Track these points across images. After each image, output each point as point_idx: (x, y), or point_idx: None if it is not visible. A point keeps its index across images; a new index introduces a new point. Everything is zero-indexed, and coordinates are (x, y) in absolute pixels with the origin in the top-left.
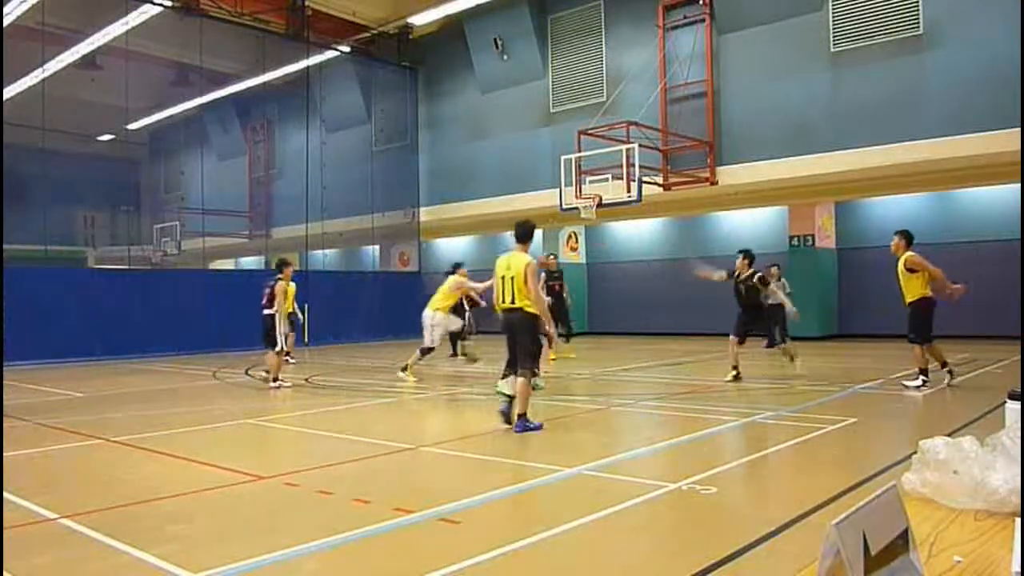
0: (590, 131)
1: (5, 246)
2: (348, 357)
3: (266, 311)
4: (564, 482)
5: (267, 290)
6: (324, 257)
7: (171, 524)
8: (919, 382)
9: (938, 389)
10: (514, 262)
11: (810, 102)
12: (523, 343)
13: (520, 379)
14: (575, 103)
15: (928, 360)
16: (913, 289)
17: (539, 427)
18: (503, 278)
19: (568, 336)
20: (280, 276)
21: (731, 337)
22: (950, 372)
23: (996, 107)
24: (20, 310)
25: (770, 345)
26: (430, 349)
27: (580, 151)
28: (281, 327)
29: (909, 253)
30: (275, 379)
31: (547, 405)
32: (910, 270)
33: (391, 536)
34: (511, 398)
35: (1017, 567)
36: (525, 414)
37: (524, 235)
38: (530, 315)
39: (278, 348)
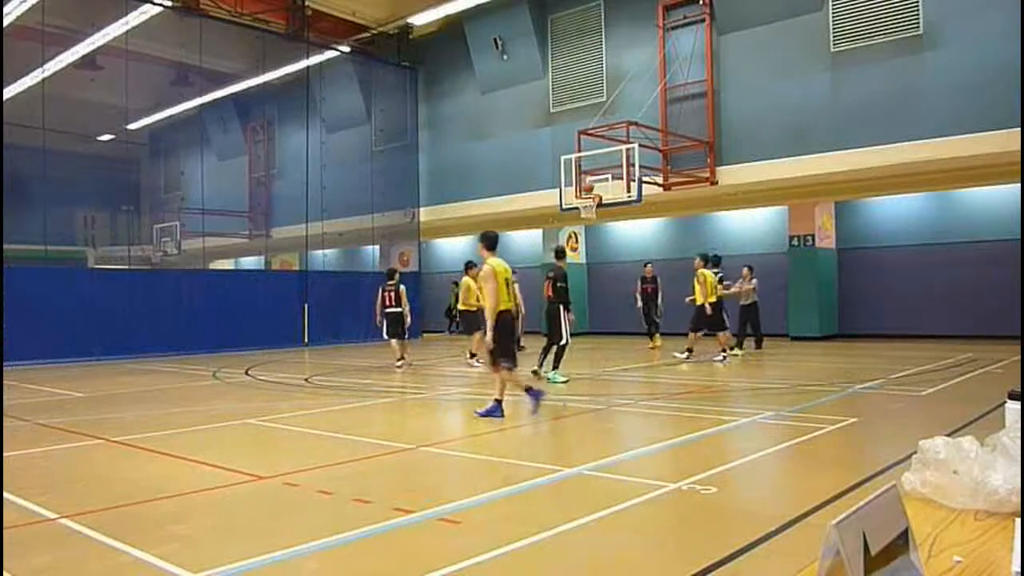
0: (590, 131)
1: (5, 246)
2: (348, 357)
3: (390, 309)
4: (564, 482)
5: (390, 292)
6: (324, 257)
7: (171, 524)
8: (720, 357)
9: (939, 389)
10: (507, 268)
11: (810, 102)
12: (513, 338)
13: (509, 370)
14: (575, 103)
15: (694, 340)
16: (697, 296)
17: (500, 416)
18: (507, 281)
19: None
20: (392, 282)
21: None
22: (689, 351)
23: (996, 107)
24: (20, 310)
25: (758, 345)
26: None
27: (580, 151)
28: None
29: (701, 270)
30: (401, 358)
31: (547, 405)
32: (699, 283)
33: (391, 536)
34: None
35: (1017, 567)
36: (501, 402)
37: (496, 243)
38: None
39: (407, 337)
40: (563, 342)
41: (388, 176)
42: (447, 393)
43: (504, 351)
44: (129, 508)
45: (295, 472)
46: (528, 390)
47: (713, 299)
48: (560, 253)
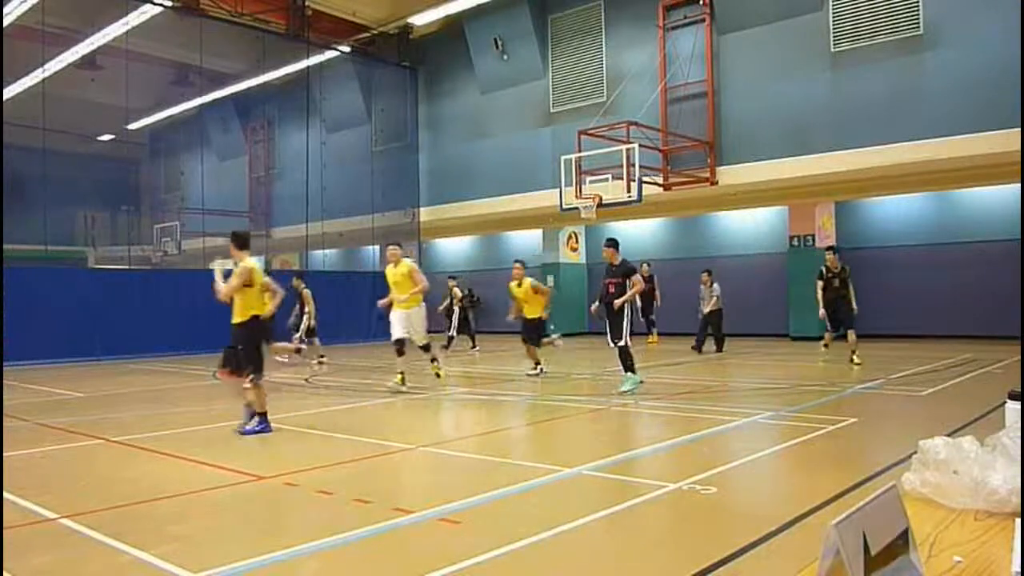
0: (590, 131)
1: (5, 246)
2: (348, 357)
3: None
4: (564, 482)
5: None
6: (324, 257)
7: (171, 524)
8: (537, 371)
9: (939, 389)
10: (261, 271)
11: (810, 102)
12: (262, 345)
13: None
14: (575, 103)
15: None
16: (536, 308)
17: (268, 430)
18: (263, 284)
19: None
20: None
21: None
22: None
23: (996, 107)
24: (20, 310)
25: (698, 349)
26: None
27: (580, 151)
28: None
29: (531, 280)
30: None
31: (548, 405)
32: (541, 294)
33: (391, 536)
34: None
35: (1017, 567)
36: (265, 414)
37: (248, 243)
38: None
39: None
40: (620, 343)
41: (388, 176)
42: (447, 393)
43: (251, 359)
44: (129, 508)
45: (295, 472)
46: (260, 415)
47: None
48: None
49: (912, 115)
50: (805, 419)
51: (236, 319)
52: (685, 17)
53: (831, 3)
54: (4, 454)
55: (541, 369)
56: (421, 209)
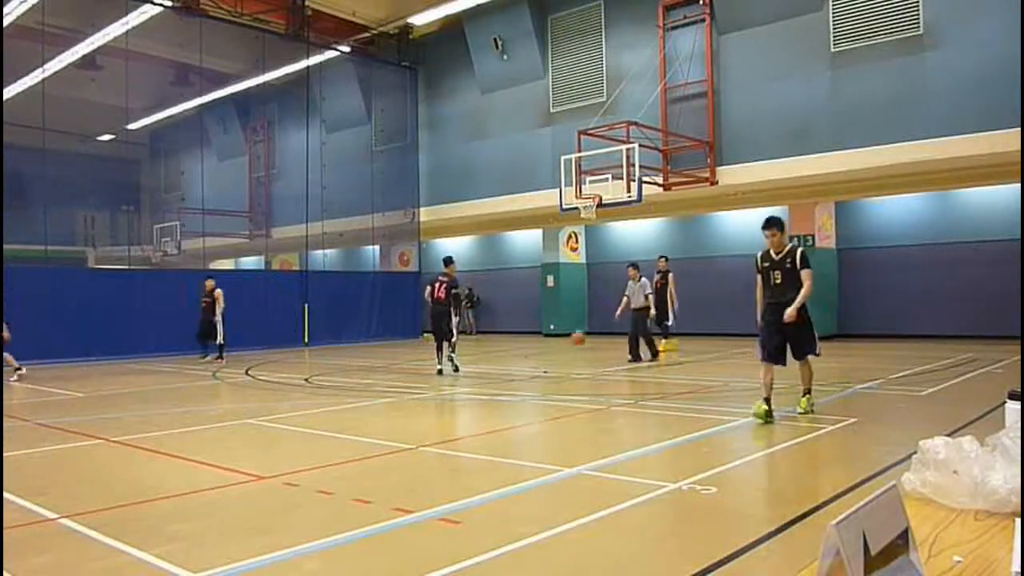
0: (590, 131)
1: (5, 246)
2: (348, 357)
3: None
4: (564, 482)
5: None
6: (324, 257)
7: (171, 524)
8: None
9: (939, 389)
10: None
11: (810, 102)
12: None
13: None
14: (575, 103)
15: None
16: None
17: None
18: None
19: None
20: None
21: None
22: None
23: (996, 107)
24: (20, 310)
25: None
26: None
27: (580, 151)
28: None
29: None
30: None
31: (548, 405)
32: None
33: (391, 536)
34: None
35: (1017, 567)
36: None
37: None
38: None
39: None
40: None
41: (388, 176)
42: (447, 393)
43: None
44: (129, 508)
45: (295, 472)
46: None
47: None
48: None
49: (912, 115)
50: (805, 419)
51: None
52: (685, 17)
53: (831, 3)
54: (4, 454)
55: None
56: (421, 209)
